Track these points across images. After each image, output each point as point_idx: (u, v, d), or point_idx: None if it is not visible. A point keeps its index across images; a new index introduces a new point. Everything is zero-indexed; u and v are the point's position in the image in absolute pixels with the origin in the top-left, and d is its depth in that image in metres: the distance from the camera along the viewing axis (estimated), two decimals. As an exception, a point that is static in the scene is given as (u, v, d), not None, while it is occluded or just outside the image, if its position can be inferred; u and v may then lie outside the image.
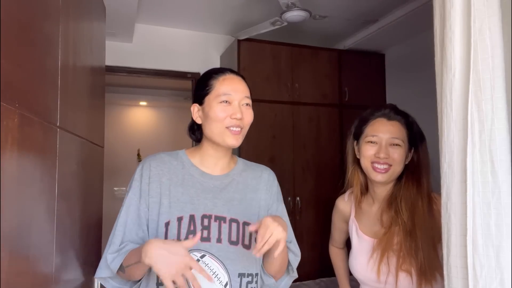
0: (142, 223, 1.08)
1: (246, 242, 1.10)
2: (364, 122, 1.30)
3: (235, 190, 1.17)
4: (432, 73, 0.85)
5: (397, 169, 1.22)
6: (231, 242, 1.08)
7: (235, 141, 1.13)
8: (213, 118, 1.10)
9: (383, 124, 1.25)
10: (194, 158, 1.18)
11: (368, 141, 1.25)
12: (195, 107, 1.17)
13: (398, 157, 1.21)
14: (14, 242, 0.66)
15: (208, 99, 1.13)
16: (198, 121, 1.16)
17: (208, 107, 1.12)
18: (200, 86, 1.17)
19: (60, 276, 0.94)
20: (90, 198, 1.35)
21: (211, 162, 1.18)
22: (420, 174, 1.24)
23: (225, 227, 1.09)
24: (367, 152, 1.24)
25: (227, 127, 1.10)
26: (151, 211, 1.09)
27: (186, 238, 1.04)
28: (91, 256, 1.36)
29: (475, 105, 0.68)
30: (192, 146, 1.29)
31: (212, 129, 1.12)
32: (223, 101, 1.10)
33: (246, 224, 1.11)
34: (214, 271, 1.04)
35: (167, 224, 1.07)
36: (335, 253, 1.58)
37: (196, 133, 1.22)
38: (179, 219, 1.08)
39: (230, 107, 1.10)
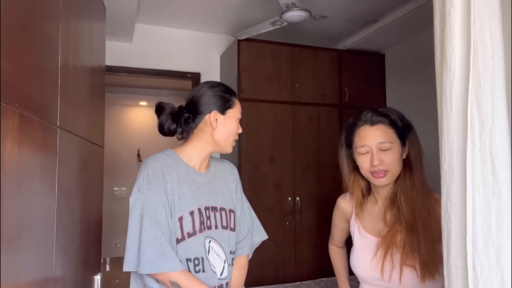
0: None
1: (232, 225, 1.37)
2: (350, 132, 1.30)
3: (216, 184, 1.39)
4: (432, 73, 0.85)
5: (394, 170, 1.23)
6: (223, 227, 1.34)
7: (232, 150, 1.39)
8: (231, 130, 1.35)
9: (367, 131, 1.24)
10: (183, 157, 1.34)
11: (360, 154, 1.26)
12: (215, 113, 1.32)
13: (391, 160, 1.21)
14: (14, 242, 0.66)
15: (231, 112, 1.35)
16: (214, 126, 1.32)
17: (229, 119, 1.34)
18: (225, 98, 1.35)
19: (60, 276, 0.94)
20: (90, 198, 1.35)
21: (198, 160, 1.35)
22: (411, 166, 1.24)
23: (218, 215, 1.34)
24: (363, 164, 1.25)
25: (234, 140, 1.37)
26: (168, 208, 1.25)
27: (200, 228, 1.27)
28: (91, 256, 1.36)
29: (475, 105, 0.68)
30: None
31: (224, 137, 1.33)
32: (238, 119, 1.38)
33: (231, 211, 1.39)
34: (217, 252, 1.31)
35: (180, 219, 1.25)
36: (335, 252, 1.58)
37: (181, 123, 1.33)
38: (191, 213, 1.27)
39: (238, 126, 1.39)
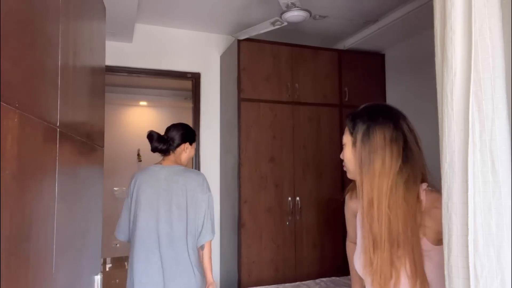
0: None
1: None
2: None
3: None
4: (432, 73, 0.85)
5: (347, 167, 1.23)
6: None
7: None
8: (191, 158, 2.29)
9: None
10: None
11: None
12: (188, 143, 2.18)
13: (344, 156, 1.24)
14: (14, 242, 0.66)
15: (193, 145, 2.23)
16: (187, 153, 2.19)
17: (193, 150, 2.23)
18: (195, 136, 2.25)
19: (60, 276, 0.94)
20: (90, 198, 1.35)
21: None
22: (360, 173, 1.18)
23: None
24: None
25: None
26: None
27: None
28: (91, 256, 1.36)
29: (475, 105, 0.68)
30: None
31: (187, 160, 2.21)
32: (194, 149, 2.28)
33: None
34: None
35: None
36: (351, 249, 1.57)
37: (165, 144, 2.12)
38: None
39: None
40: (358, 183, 1.20)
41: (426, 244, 1.08)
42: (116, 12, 2.65)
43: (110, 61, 3.10)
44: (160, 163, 2.13)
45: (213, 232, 2.06)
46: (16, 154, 0.66)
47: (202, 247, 2.06)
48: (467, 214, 0.67)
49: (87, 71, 1.32)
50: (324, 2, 2.88)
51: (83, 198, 1.24)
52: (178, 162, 2.12)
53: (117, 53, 3.26)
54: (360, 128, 1.20)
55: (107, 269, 5.18)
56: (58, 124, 0.91)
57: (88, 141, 1.30)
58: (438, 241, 1.06)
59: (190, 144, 2.17)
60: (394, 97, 3.49)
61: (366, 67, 3.49)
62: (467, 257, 0.67)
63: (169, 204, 1.99)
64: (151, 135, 2.09)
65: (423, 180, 1.14)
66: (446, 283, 0.72)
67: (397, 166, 1.12)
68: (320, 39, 3.65)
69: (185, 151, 2.15)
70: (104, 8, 1.70)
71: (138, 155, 5.63)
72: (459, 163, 0.70)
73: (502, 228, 0.64)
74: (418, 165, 1.14)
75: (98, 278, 1.41)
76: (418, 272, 1.06)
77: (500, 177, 0.65)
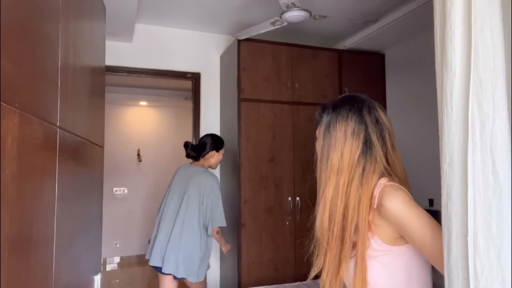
0: None
1: None
2: None
3: None
4: (432, 73, 0.85)
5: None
6: None
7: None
8: (219, 162, 2.85)
9: None
10: None
11: None
12: (214, 151, 2.79)
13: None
14: (14, 242, 0.66)
15: (221, 152, 2.81)
16: (214, 158, 2.79)
17: (220, 155, 2.82)
18: (222, 144, 2.82)
19: (60, 276, 0.94)
20: (90, 198, 1.35)
21: None
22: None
23: None
24: None
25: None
26: None
27: None
28: (91, 256, 1.36)
29: (476, 105, 0.68)
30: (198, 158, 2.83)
31: (215, 164, 2.82)
32: (223, 155, 2.88)
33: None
34: None
35: None
36: None
37: (196, 152, 2.79)
38: None
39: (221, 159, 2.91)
40: (317, 177, 1.15)
41: (378, 243, 1.01)
42: (116, 12, 2.65)
43: (110, 61, 3.11)
44: (191, 162, 2.83)
45: (217, 223, 2.63)
46: (16, 154, 0.66)
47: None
48: (467, 214, 0.67)
49: (87, 71, 1.32)
50: (324, 2, 2.88)
51: (83, 198, 1.24)
52: (205, 165, 2.77)
53: (117, 53, 3.26)
54: (324, 122, 1.15)
55: (107, 269, 5.17)
56: (58, 124, 0.91)
57: (88, 141, 1.29)
58: (394, 241, 1.00)
59: (217, 151, 2.77)
60: (394, 97, 3.49)
61: (366, 67, 3.49)
62: (466, 257, 0.67)
63: (186, 194, 2.65)
64: (187, 145, 2.78)
65: (385, 175, 1.06)
66: (446, 283, 0.72)
67: (355, 161, 1.07)
68: (320, 39, 3.65)
69: (213, 157, 2.76)
70: (104, 8, 1.70)
71: (138, 154, 5.63)
72: (459, 162, 0.70)
73: (502, 228, 0.64)
74: (377, 159, 1.07)
75: (98, 278, 1.41)
76: (358, 272, 1.02)
77: (500, 177, 0.65)
